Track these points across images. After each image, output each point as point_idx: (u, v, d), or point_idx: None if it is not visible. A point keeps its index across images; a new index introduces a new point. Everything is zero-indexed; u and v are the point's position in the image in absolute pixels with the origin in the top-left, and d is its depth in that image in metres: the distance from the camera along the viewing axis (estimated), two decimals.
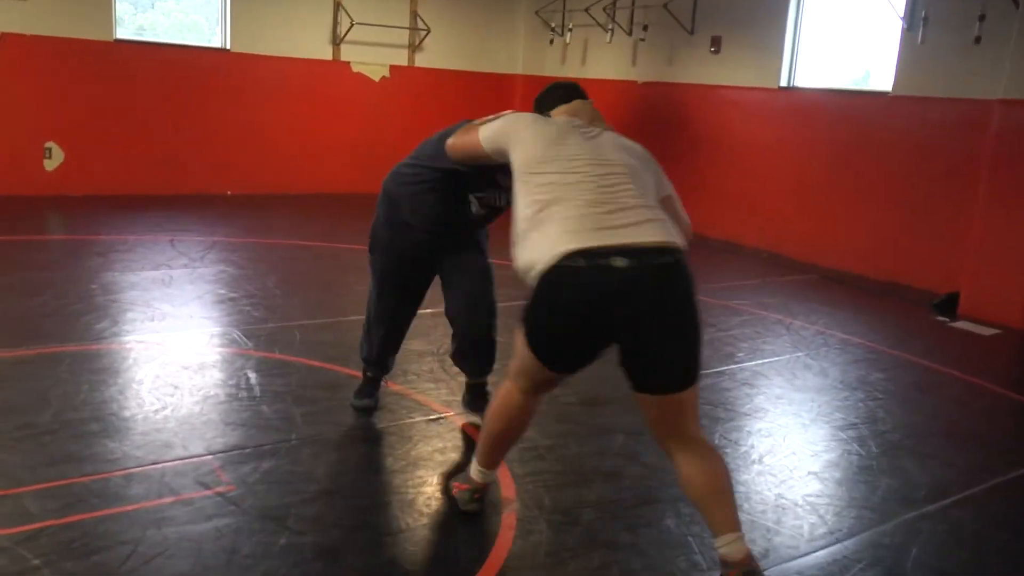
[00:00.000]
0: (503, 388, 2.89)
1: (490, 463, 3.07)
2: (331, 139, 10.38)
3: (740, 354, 5.36)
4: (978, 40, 6.95)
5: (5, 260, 6.45)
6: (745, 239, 9.05)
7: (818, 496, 3.55)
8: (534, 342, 2.67)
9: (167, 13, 10.66)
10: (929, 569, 3.07)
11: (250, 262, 6.79)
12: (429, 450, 3.71)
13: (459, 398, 4.15)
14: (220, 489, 3.22)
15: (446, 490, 3.33)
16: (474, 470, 3.11)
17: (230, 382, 4.29)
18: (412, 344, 4.56)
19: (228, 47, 9.62)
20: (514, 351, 2.79)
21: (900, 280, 7.59)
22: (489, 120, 3.05)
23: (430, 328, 4.95)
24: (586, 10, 10.33)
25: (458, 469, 3.48)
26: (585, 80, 10.77)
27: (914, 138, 7.56)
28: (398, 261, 3.76)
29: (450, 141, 3.22)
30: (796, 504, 3.46)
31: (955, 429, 4.49)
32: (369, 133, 10.40)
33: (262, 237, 7.79)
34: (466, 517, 3.15)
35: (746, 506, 3.37)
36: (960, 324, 6.60)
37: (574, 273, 2.49)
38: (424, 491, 3.35)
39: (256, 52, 9.73)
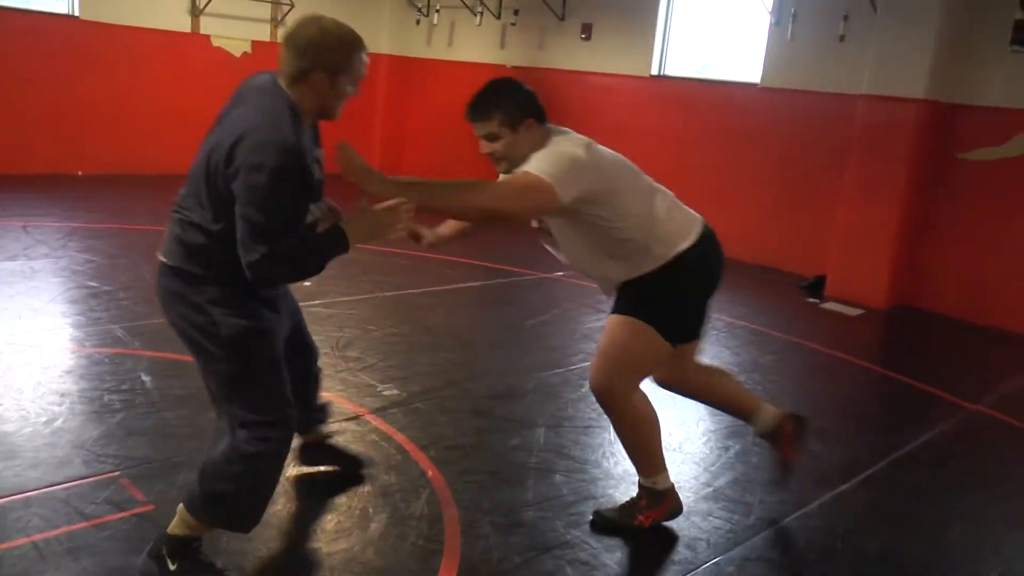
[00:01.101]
0: (630, 403, 2.99)
1: (656, 467, 3.12)
2: (190, 116, 9.74)
3: None
4: (842, 38, 7.33)
5: None
6: None
7: (744, 482, 3.64)
8: (677, 321, 2.99)
9: None
10: (857, 546, 3.21)
11: (120, 250, 6.32)
12: (363, 457, 3.54)
13: (366, 395, 4.01)
14: (137, 509, 2.96)
15: (636, 529, 3.11)
16: (654, 484, 3.11)
17: (123, 387, 3.95)
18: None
19: (77, 14, 8.87)
20: (623, 360, 2.95)
21: (770, 264, 7.93)
22: (544, 168, 2.69)
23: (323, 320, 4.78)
24: None
25: (389, 475, 3.36)
26: (453, 63, 10.77)
27: (783, 129, 7.90)
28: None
29: (506, 207, 2.74)
30: (723, 492, 3.53)
31: (850, 410, 4.73)
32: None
33: (126, 222, 7.27)
34: (399, 525, 3.03)
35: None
36: (829, 305, 6.97)
37: (714, 240, 3.07)
38: (357, 502, 3.19)
39: (108, 21, 9.02)
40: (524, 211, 2.79)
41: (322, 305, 5.35)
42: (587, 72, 9.47)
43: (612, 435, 3.96)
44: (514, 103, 2.83)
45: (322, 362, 3.99)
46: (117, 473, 3.17)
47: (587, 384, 4.47)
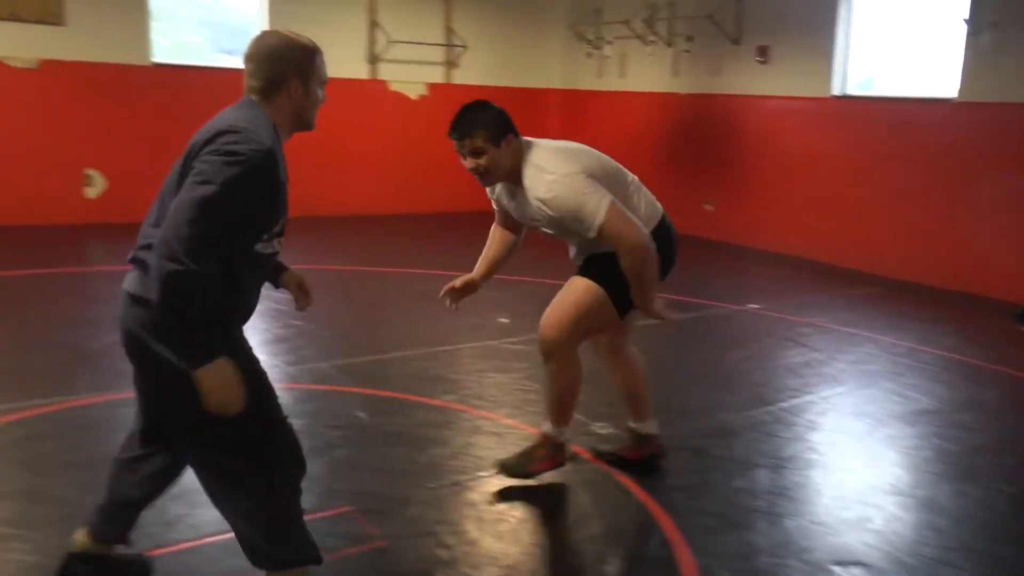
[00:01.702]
0: (567, 359, 3.29)
1: (568, 420, 3.43)
2: (370, 159, 10.19)
3: (845, 377, 5.16)
4: None
5: (48, 293, 6.22)
6: (798, 250, 8.85)
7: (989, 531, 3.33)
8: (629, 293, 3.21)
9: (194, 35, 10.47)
10: None
11: (315, 289, 6.53)
12: (587, 497, 3.48)
13: (578, 432, 3.93)
14: (374, 544, 3.00)
15: (532, 476, 3.40)
16: (558, 432, 3.40)
17: (340, 423, 4.06)
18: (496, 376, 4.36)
19: None
20: (578, 319, 3.22)
21: (971, 290, 7.40)
22: (601, 201, 3.07)
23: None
24: (624, 22, 10.17)
25: (617, 516, 3.27)
26: (625, 94, 10.74)
27: (981, 145, 7.39)
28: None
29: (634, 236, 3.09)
30: (966, 542, 3.25)
31: None
32: (407, 152, 10.21)
33: (315, 262, 7.57)
34: (636, 570, 2.93)
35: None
36: None
37: (670, 228, 3.45)
38: (589, 543, 3.12)
39: None
40: (644, 235, 3.11)
41: (519, 342, 5.36)
42: (763, 96, 9.21)
43: (838, 478, 3.76)
44: (496, 118, 3.14)
45: (527, 398, 3.99)
46: (349, 508, 3.24)
47: (801, 423, 4.30)
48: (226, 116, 2.23)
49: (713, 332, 6.09)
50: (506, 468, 3.44)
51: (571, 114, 11.46)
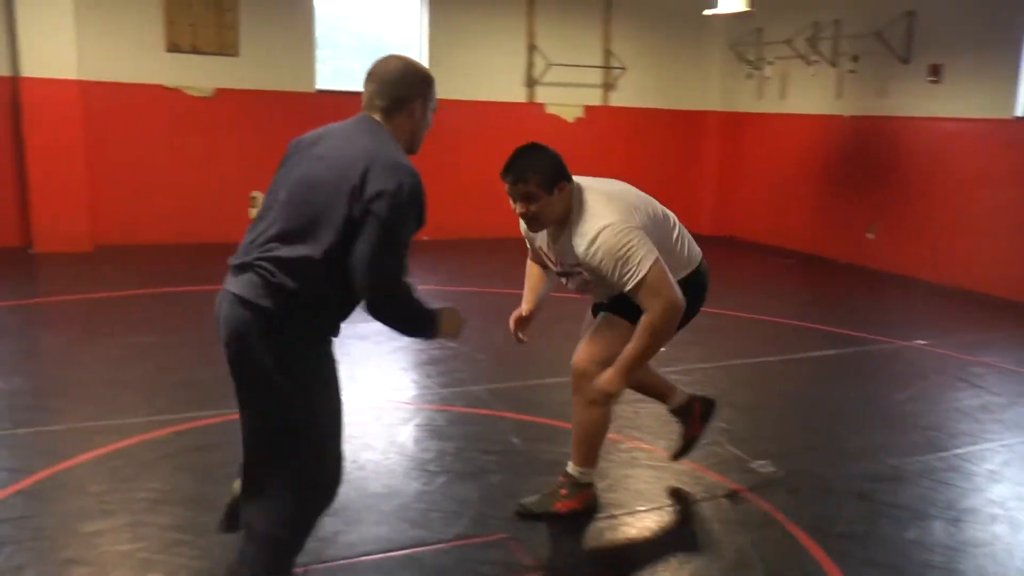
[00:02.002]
0: (611, 404, 3.24)
1: (594, 462, 3.39)
2: None
3: None
4: None
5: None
6: (970, 283, 8.27)
7: None
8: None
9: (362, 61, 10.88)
10: None
11: (470, 312, 6.61)
12: (747, 538, 3.34)
13: (738, 470, 3.78)
14: (526, 574, 2.98)
15: (553, 515, 3.32)
16: (581, 474, 3.36)
17: (495, 448, 4.06)
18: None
19: None
20: (634, 367, 3.10)
21: None
22: (647, 256, 3.00)
23: None
24: (786, 42, 9.87)
25: (781, 563, 3.11)
26: (785, 115, 10.42)
27: None
28: None
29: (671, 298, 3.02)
30: None
31: None
32: None
33: (471, 284, 7.68)
34: None
35: None
36: None
37: (706, 271, 3.44)
38: None
39: (452, 97, 9.76)
40: (680, 298, 3.00)
41: (680, 372, 5.24)
42: (935, 118, 8.71)
43: (1020, 538, 3.45)
44: (552, 164, 3.07)
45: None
46: (503, 536, 3.22)
47: (980, 472, 3.98)
48: (369, 147, 2.33)
49: (877, 368, 5.76)
50: (527, 508, 3.36)
51: (729, 137, 11.21)
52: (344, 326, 2.45)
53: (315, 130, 2.51)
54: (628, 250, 2.97)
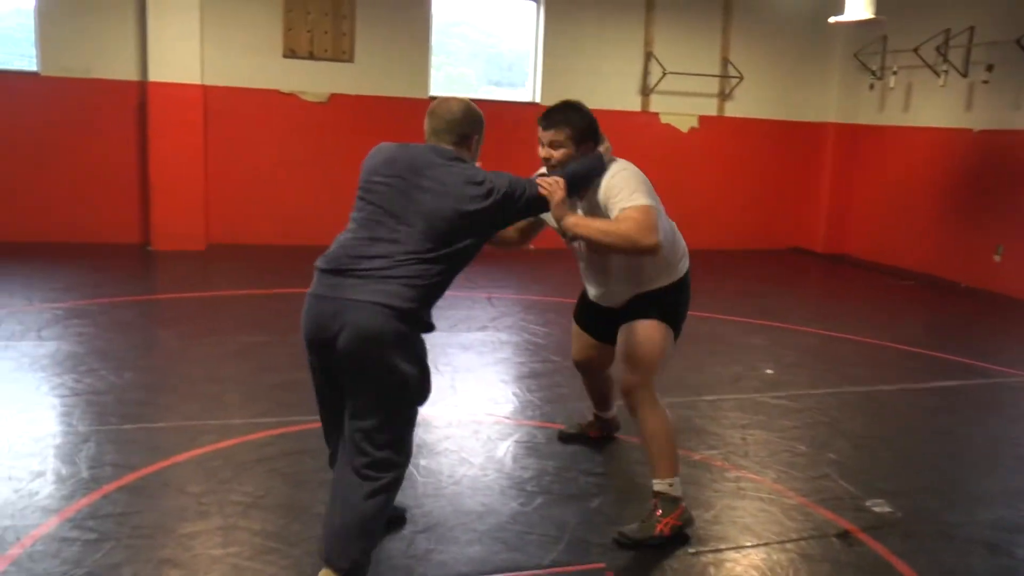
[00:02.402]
0: (651, 399, 3.34)
1: (675, 469, 3.36)
2: None
3: None
4: None
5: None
6: None
7: None
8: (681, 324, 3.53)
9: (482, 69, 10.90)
10: None
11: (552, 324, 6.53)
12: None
13: (850, 508, 3.55)
14: None
15: (659, 539, 3.21)
16: (669, 487, 3.29)
17: (596, 470, 3.94)
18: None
19: (538, 100, 9.64)
20: (658, 360, 3.36)
21: None
22: (634, 196, 3.12)
23: None
24: (914, 50, 9.39)
25: None
26: (908, 129, 9.92)
27: None
28: None
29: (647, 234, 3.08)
30: None
31: None
32: (674, 187, 9.97)
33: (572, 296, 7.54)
34: None
35: None
36: None
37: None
38: None
39: None
40: (656, 242, 3.05)
41: (788, 398, 5.00)
42: None
43: None
44: (586, 123, 3.27)
45: (795, 461, 3.70)
46: (602, 565, 3.09)
47: None
48: (457, 165, 2.85)
49: (1005, 404, 5.36)
50: (628, 537, 3.25)
51: (846, 150, 10.77)
52: (448, 335, 2.65)
53: (398, 154, 2.88)
54: (637, 186, 3.14)
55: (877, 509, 3.63)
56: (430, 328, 2.79)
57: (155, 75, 8.35)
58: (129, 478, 3.56)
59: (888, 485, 3.88)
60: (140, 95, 8.49)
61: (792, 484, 3.84)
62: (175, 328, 6.00)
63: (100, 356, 5.15)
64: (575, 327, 4.00)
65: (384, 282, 2.66)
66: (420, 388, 2.82)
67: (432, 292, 2.77)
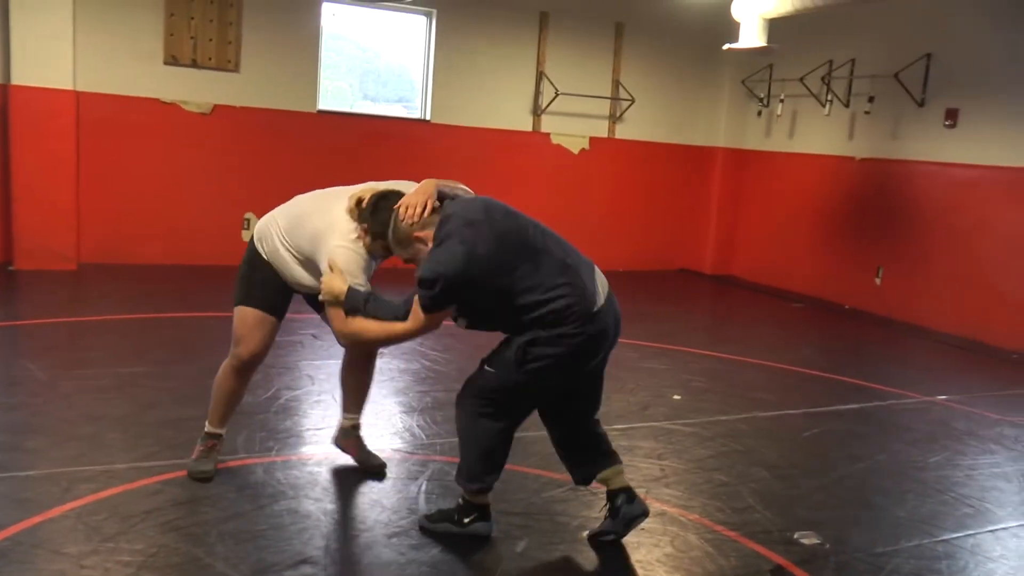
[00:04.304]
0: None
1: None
2: (531, 210, 9.93)
3: None
4: None
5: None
6: (996, 338, 8.01)
7: None
8: None
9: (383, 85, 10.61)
10: None
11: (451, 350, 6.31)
12: None
13: (777, 541, 3.47)
14: None
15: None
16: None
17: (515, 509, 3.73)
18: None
19: (428, 118, 9.43)
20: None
21: None
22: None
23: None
24: (800, 79, 9.67)
25: None
26: (793, 155, 10.21)
27: None
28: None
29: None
30: None
31: None
32: (565, 207, 9.94)
33: None
34: None
35: None
36: None
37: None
38: None
39: (456, 123, 9.49)
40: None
41: (699, 425, 4.94)
42: (950, 164, 8.52)
43: None
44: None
45: (717, 494, 3.61)
46: None
47: None
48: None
49: (903, 427, 5.44)
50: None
51: (734, 174, 11.01)
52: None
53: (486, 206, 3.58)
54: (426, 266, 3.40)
55: (806, 541, 3.57)
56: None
57: (19, 78, 7.71)
58: None
59: (812, 515, 3.83)
60: (1, 99, 7.82)
61: (718, 517, 3.74)
62: (42, 359, 5.43)
63: None
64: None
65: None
66: None
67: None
